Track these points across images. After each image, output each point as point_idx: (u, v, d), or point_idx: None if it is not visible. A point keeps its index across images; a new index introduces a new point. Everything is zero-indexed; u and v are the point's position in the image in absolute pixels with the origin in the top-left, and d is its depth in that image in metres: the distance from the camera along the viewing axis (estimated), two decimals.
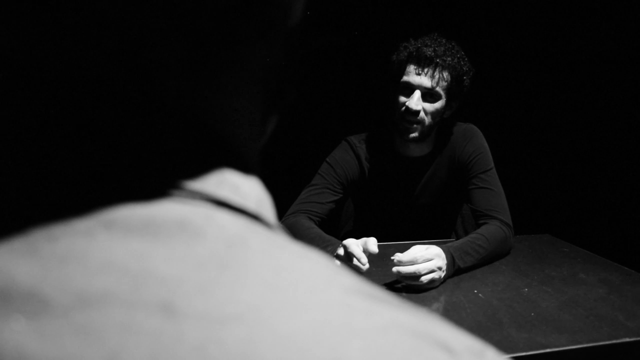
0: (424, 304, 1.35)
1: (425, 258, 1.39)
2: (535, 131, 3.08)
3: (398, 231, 1.95)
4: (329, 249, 1.51)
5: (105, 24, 0.24)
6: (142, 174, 0.24)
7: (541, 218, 2.78)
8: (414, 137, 1.73)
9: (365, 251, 1.39)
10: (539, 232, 2.00)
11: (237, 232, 0.24)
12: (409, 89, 1.69)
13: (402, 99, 1.71)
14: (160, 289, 0.20)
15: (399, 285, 1.42)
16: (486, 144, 1.83)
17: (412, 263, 1.38)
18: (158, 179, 0.24)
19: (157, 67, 0.26)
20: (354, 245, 1.41)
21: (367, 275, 1.46)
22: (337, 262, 1.43)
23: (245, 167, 0.30)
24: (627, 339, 1.14)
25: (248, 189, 0.28)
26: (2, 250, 0.20)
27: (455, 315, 1.27)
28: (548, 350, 1.10)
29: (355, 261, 1.38)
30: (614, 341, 1.13)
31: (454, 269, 1.49)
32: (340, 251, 1.44)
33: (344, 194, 1.86)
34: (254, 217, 0.26)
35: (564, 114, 3.03)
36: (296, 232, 1.65)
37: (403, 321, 0.23)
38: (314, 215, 1.76)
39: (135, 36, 0.25)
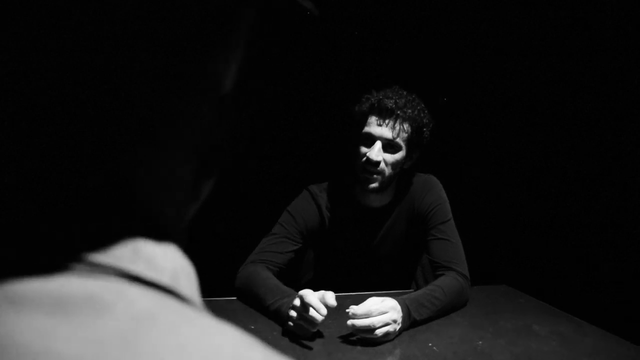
0: (379, 357, 1.34)
1: (380, 311, 1.39)
2: (495, 182, 3.14)
3: (358, 281, 1.95)
4: (285, 301, 1.50)
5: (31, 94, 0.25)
6: (51, 247, 0.24)
7: (499, 268, 2.80)
8: (374, 188, 1.74)
9: (324, 304, 1.38)
10: (497, 283, 2.01)
11: (146, 307, 0.24)
12: (370, 140, 1.72)
13: (364, 149, 1.73)
14: None
15: (354, 338, 1.41)
16: (445, 195, 1.86)
17: (366, 316, 1.38)
18: (72, 252, 0.24)
19: (75, 136, 0.26)
20: (312, 295, 1.40)
21: (323, 327, 1.44)
22: (292, 313, 1.42)
23: (165, 237, 0.30)
24: None
25: (164, 262, 0.28)
26: None
27: None
28: None
29: (312, 312, 1.37)
30: None
31: (410, 322, 1.49)
32: (297, 302, 1.43)
33: (304, 244, 1.86)
34: (168, 290, 0.27)
35: (521, 166, 3.10)
36: (253, 282, 1.64)
37: None
38: (272, 265, 1.75)
39: (52, 109, 0.25)
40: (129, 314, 0.23)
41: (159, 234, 0.29)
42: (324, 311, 1.37)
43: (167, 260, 0.28)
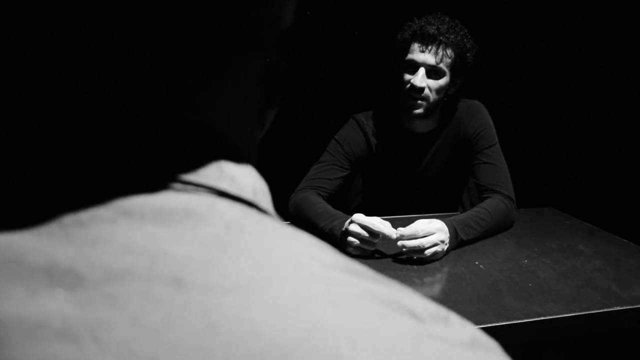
0: (428, 274, 1.41)
1: (427, 232, 1.45)
2: (540, 106, 3.10)
3: (406, 205, 2.01)
4: (336, 223, 1.58)
5: (109, 42, 0.28)
6: (152, 170, 0.29)
7: (545, 191, 2.81)
8: (419, 114, 1.77)
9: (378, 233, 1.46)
10: (543, 206, 2.04)
11: (235, 217, 0.28)
12: (414, 67, 1.73)
13: (407, 76, 1.75)
14: (172, 266, 0.24)
15: (404, 257, 1.48)
16: (490, 120, 1.87)
17: (414, 236, 1.44)
18: (169, 173, 0.29)
19: (158, 79, 0.30)
20: (368, 218, 1.48)
21: (374, 249, 1.52)
22: (350, 238, 1.49)
23: (242, 160, 0.35)
24: (618, 308, 1.20)
25: (244, 180, 0.32)
26: (43, 235, 0.25)
27: (456, 285, 1.34)
28: (542, 318, 1.16)
29: (380, 227, 1.45)
30: (606, 310, 1.19)
31: (457, 242, 1.55)
32: (353, 227, 1.50)
33: (352, 170, 1.92)
34: (250, 204, 0.31)
35: (568, 89, 3.04)
36: (304, 207, 1.72)
37: (374, 291, 0.27)
38: (322, 191, 1.82)
39: (137, 51, 0.29)
40: (221, 222, 0.27)
41: (237, 156, 0.34)
42: (385, 228, 1.45)
43: (247, 178, 0.32)
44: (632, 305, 1.21)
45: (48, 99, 0.29)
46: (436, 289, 1.35)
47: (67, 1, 0.27)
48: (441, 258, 1.50)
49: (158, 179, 0.28)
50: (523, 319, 1.15)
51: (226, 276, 0.25)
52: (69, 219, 0.26)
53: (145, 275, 0.24)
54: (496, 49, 2.83)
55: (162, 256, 0.25)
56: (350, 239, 1.50)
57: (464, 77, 1.82)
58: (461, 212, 2.00)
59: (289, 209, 1.79)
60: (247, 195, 0.31)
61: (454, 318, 0.29)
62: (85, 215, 0.26)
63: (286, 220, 1.79)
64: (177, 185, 0.29)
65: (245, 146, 0.37)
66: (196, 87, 0.32)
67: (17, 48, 0.29)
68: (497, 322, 1.15)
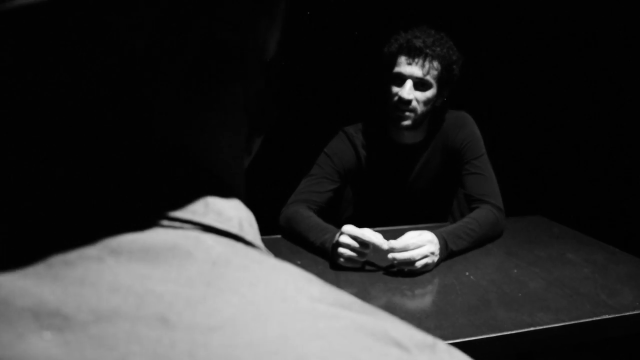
0: (418, 286, 1.42)
1: (417, 244, 1.46)
2: (527, 114, 3.13)
3: (396, 216, 2.02)
4: (328, 237, 1.58)
5: (99, 79, 0.29)
6: (139, 208, 0.29)
7: (534, 199, 2.84)
8: (407, 125, 1.78)
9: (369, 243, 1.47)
10: (532, 214, 2.06)
11: (221, 252, 0.29)
12: (401, 79, 1.75)
13: (395, 89, 1.76)
14: (158, 305, 0.25)
15: (395, 269, 1.49)
16: (477, 131, 1.89)
17: (405, 249, 1.45)
18: (155, 210, 0.29)
19: (145, 113, 0.31)
20: (358, 229, 1.49)
21: (365, 260, 1.52)
22: (340, 249, 1.50)
23: (228, 192, 0.35)
24: (607, 316, 1.21)
25: (230, 213, 0.33)
26: (30, 275, 0.25)
27: (446, 297, 1.34)
28: (532, 328, 1.17)
29: (371, 237, 1.46)
30: (595, 318, 1.20)
31: (447, 253, 1.56)
32: (343, 238, 1.51)
33: (342, 183, 1.93)
34: (236, 237, 0.31)
35: (555, 97, 3.07)
36: (296, 221, 1.72)
37: (360, 322, 0.27)
38: (312, 204, 1.82)
39: (126, 87, 0.29)
40: (208, 258, 0.28)
41: (223, 189, 0.34)
42: (376, 238, 1.45)
43: (232, 211, 0.33)
44: (621, 313, 1.22)
45: (34, 138, 0.29)
46: (427, 301, 1.36)
47: (64, 35, 0.27)
48: (432, 269, 1.51)
49: (146, 215, 0.29)
50: (513, 329, 1.16)
51: (212, 314, 0.25)
52: (56, 259, 0.26)
53: (131, 315, 0.24)
54: (482, 59, 2.87)
55: (149, 295, 0.25)
56: (341, 250, 1.51)
57: (450, 89, 1.84)
58: (451, 222, 2.02)
59: (280, 223, 1.80)
60: (233, 229, 0.32)
61: (441, 345, 0.30)
62: (73, 254, 0.26)
63: (278, 234, 1.80)
64: (165, 222, 0.29)
65: (232, 176, 0.38)
66: (184, 117, 0.33)
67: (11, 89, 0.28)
68: (488, 333, 1.15)
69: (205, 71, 0.33)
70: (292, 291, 0.28)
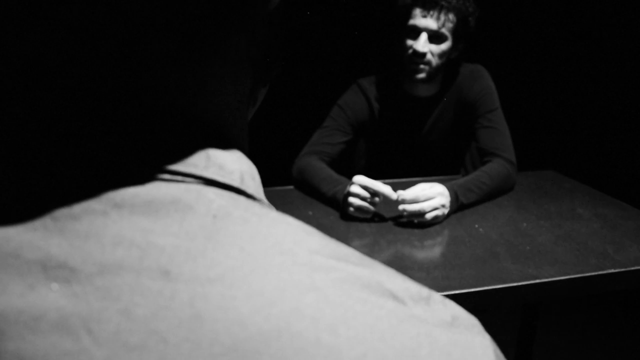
0: (428, 238, 1.44)
1: (428, 196, 1.48)
2: (543, 69, 3.08)
3: (409, 168, 2.03)
4: (339, 188, 1.60)
5: (100, 32, 0.29)
6: (141, 161, 0.30)
7: (547, 154, 2.83)
8: (421, 78, 1.77)
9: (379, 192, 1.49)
10: (544, 168, 2.06)
11: (222, 205, 0.29)
12: (416, 32, 1.73)
13: (409, 42, 1.75)
14: (160, 258, 0.26)
15: (405, 220, 1.51)
16: (492, 84, 1.87)
17: (415, 200, 1.47)
18: (157, 164, 0.30)
19: (147, 65, 0.31)
20: (369, 180, 1.52)
21: (375, 211, 1.54)
22: (350, 198, 1.52)
23: (230, 144, 0.36)
24: (612, 270, 1.23)
25: (232, 166, 0.34)
26: (37, 228, 0.26)
27: (455, 248, 1.37)
28: (538, 281, 1.19)
29: (381, 187, 1.49)
30: (599, 272, 1.22)
31: (457, 205, 1.58)
32: (354, 188, 1.53)
33: (355, 135, 1.94)
34: (238, 190, 0.32)
35: (571, 51, 3.01)
36: (308, 173, 1.75)
37: (357, 275, 0.28)
38: (325, 156, 1.84)
39: (127, 38, 0.30)
40: (209, 211, 0.28)
41: (225, 142, 0.35)
42: (386, 188, 1.48)
43: (234, 164, 0.33)
44: (626, 267, 1.24)
45: (36, 96, 0.30)
46: (436, 252, 1.39)
47: None
48: (442, 221, 1.53)
49: (148, 169, 0.29)
50: (519, 281, 1.19)
51: (212, 267, 0.26)
52: (61, 213, 0.27)
53: (135, 267, 0.25)
54: (498, 12, 2.80)
55: (151, 248, 0.26)
56: (351, 199, 1.53)
57: (466, 41, 1.82)
58: (463, 175, 2.03)
59: (293, 174, 1.82)
60: (234, 182, 0.32)
61: (436, 297, 0.31)
62: (78, 208, 0.27)
63: (290, 185, 1.82)
64: (167, 176, 0.29)
65: (235, 128, 0.38)
66: (186, 69, 0.33)
67: (6, 43, 0.29)
68: (494, 284, 1.18)
69: (207, 23, 0.33)
70: (290, 244, 0.29)
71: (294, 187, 1.82)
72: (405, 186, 1.77)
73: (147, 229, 0.27)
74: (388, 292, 0.28)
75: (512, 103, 2.13)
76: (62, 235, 0.26)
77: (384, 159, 2.07)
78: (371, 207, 1.52)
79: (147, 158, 0.30)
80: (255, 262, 0.27)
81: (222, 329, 0.24)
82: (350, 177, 2.04)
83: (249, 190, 0.33)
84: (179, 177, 0.30)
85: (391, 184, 1.83)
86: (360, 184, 1.52)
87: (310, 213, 1.61)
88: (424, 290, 0.30)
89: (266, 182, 1.62)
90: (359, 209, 1.53)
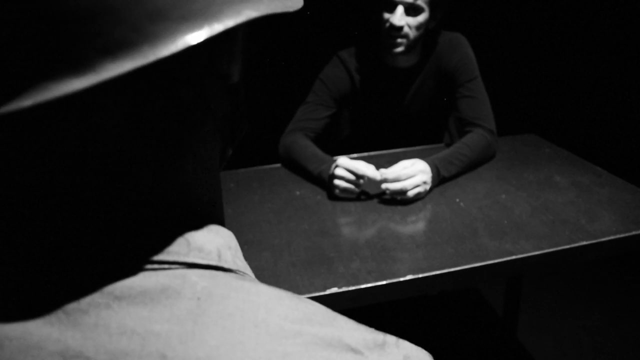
0: (411, 214, 1.50)
1: (409, 175, 1.52)
2: (523, 33, 3.07)
3: (392, 138, 2.07)
4: (324, 167, 1.65)
5: (85, 155, 0.35)
6: (132, 255, 0.36)
7: (529, 117, 2.86)
8: (399, 52, 1.79)
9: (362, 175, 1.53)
10: (526, 131, 2.10)
11: (204, 286, 0.36)
12: (392, 5, 1.73)
13: (386, 15, 1.75)
14: (157, 343, 0.32)
15: (388, 197, 1.57)
16: (471, 53, 1.88)
17: (397, 179, 1.52)
18: (144, 257, 0.36)
19: (128, 171, 0.36)
20: (352, 161, 1.56)
21: (360, 190, 1.59)
22: (336, 181, 1.57)
23: (206, 220, 0.42)
24: (584, 242, 1.29)
25: (209, 246, 0.40)
26: (53, 323, 0.33)
27: (437, 225, 1.43)
28: (513, 257, 1.25)
29: (365, 170, 1.54)
30: (572, 245, 1.28)
31: (439, 179, 1.63)
32: (339, 171, 1.57)
33: (338, 108, 1.96)
34: (216, 268, 0.39)
35: (552, 15, 2.99)
36: (294, 151, 1.78)
37: (320, 336, 0.35)
38: (310, 132, 1.87)
39: (107, 157, 0.35)
40: (194, 294, 0.35)
41: (201, 220, 0.41)
42: (369, 170, 1.52)
43: (211, 244, 0.40)
44: (597, 239, 1.30)
45: (43, 206, 0.36)
46: (418, 229, 1.44)
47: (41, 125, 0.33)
48: (424, 197, 1.58)
49: (139, 262, 0.36)
50: (496, 259, 1.25)
51: (200, 347, 0.32)
52: (72, 307, 0.33)
53: (138, 353, 0.32)
54: None
55: (149, 335, 0.32)
56: (337, 182, 1.58)
57: (443, 11, 1.82)
58: (447, 139, 2.07)
59: (279, 152, 1.86)
60: (212, 261, 0.39)
61: (390, 340, 0.37)
62: (85, 302, 0.33)
63: (278, 163, 1.86)
64: (155, 265, 0.36)
65: (209, 202, 0.44)
66: (162, 167, 0.38)
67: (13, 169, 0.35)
68: (472, 263, 1.24)
69: (177, 127, 0.38)
70: (264, 314, 0.35)
71: (281, 165, 1.86)
72: (389, 158, 1.82)
73: (145, 317, 0.33)
74: (347, 347, 0.35)
75: (494, 69, 2.15)
76: (76, 328, 0.32)
77: (368, 129, 2.10)
78: (356, 189, 1.57)
79: (137, 251, 0.36)
80: (234, 339, 0.33)
81: None
82: (337, 146, 2.08)
83: (226, 265, 0.40)
84: (167, 265, 0.36)
85: (375, 156, 1.88)
86: (344, 167, 1.56)
87: (298, 193, 1.66)
88: (378, 337, 0.37)
89: (254, 161, 1.67)
90: (344, 190, 1.57)
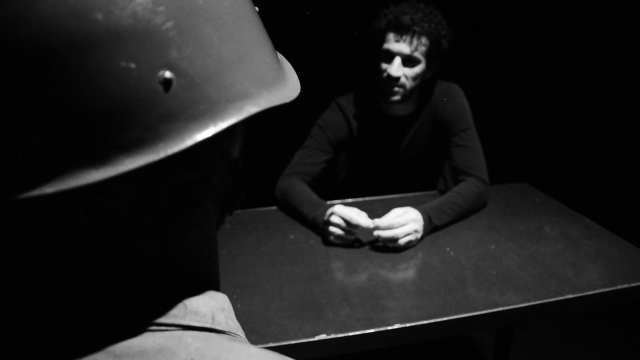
0: (402, 262, 1.52)
1: (401, 223, 1.56)
2: (517, 83, 3.15)
3: (388, 183, 2.11)
4: (318, 212, 1.68)
5: (94, 233, 0.39)
6: (134, 318, 0.40)
7: (521, 165, 2.91)
8: (396, 100, 1.84)
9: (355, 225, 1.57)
10: (518, 180, 2.14)
11: (198, 347, 0.40)
12: (390, 56, 1.79)
13: (384, 65, 1.81)
14: None
15: (380, 245, 1.60)
16: (466, 103, 1.94)
17: (389, 227, 1.55)
18: (145, 320, 0.40)
19: (134, 243, 0.41)
20: (346, 209, 1.59)
21: (354, 237, 1.63)
22: (331, 228, 1.60)
23: (202, 287, 0.46)
24: (570, 295, 1.31)
25: (204, 309, 0.44)
26: None
27: (426, 274, 1.45)
28: (500, 309, 1.28)
29: (358, 220, 1.56)
30: (559, 298, 1.30)
31: (431, 228, 1.66)
32: (332, 218, 1.60)
33: (335, 153, 2.01)
34: (211, 330, 0.43)
35: (545, 66, 3.08)
36: (290, 195, 1.82)
37: None
38: (307, 176, 1.91)
39: (115, 234, 0.40)
40: (188, 354, 0.39)
41: (199, 286, 0.45)
42: (362, 220, 1.55)
43: (206, 307, 0.44)
44: (583, 292, 1.32)
45: (57, 271, 0.40)
46: (408, 277, 1.47)
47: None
48: (415, 245, 1.61)
49: (139, 324, 0.40)
50: (482, 310, 1.27)
51: None
52: None
53: None
54: (471, 30, 2.86)
55: None
56: (332, 228, 1.61)
57: (439, 62, 1.88)
58: (442, 185, 2.11)
59: (276, 195, 1.89)
60: (207, 324, 0.43)
61: None
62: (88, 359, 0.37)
63: (274, 206, 1.90)
64: (153, 327, 0.40)
65: (206, 269, 0.49)
66: (166, 239, 0.43)
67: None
68: (460, 314, 1.26)
69: (178, 204, 0.43)
70: None
71: (277, 207, 1.90)
72: (384, 203, 1.85)
73: None
74: None
75: (487, 118, 2.20)
76: None
77: (364, 173, 2.14)
78: (350, 237, 1.60)
79: (139, 315, 0.40)
80: None
81: None
82: (332, 189, 2.11)
83: (219, 327, 0.44)
84: (164, 327, 0.40)
85: (370, 202, 1.92)
86: (339, 215, 1.59)
87: (292, 237, 1.69)
88: None
89: (251, 203, 1.69)
90: (338, 237, 1.61)
